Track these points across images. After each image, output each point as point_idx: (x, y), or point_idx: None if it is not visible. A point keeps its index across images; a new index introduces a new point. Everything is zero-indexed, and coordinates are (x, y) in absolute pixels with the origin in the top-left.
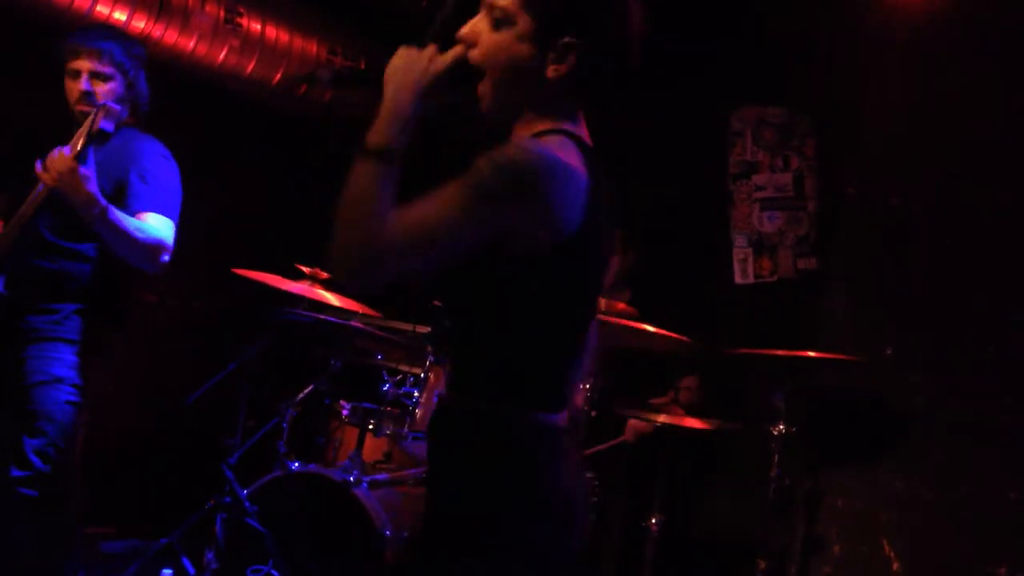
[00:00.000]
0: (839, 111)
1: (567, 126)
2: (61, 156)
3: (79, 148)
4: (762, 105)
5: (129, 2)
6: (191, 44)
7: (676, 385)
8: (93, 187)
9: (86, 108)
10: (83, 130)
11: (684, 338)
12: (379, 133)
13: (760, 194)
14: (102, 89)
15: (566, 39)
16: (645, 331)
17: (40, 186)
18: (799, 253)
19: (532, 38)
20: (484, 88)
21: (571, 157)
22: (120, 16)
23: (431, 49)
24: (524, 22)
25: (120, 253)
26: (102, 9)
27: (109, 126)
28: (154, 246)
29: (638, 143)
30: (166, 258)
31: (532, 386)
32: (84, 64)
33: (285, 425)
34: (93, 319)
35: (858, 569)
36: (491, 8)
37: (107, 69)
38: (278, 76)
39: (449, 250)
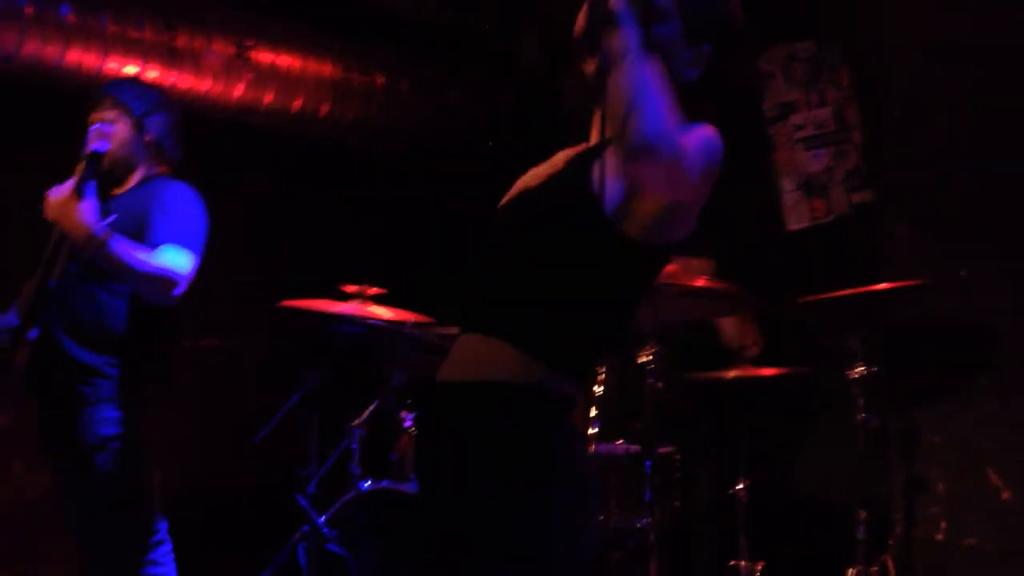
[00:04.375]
0: (870, 33)
1: None
2: (58, 191)
3: (76, 181)
4: (789, 42)
5: (139, 55)
6: (206, 85)
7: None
8: (89, 218)
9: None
10: (79, 163)
11: (738, 290)
12: None
13: (801, 133)
14: (109, 131)
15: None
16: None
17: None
18: (851, 188)
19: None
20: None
21: None
22: (132, 69)
23: None
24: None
25: (131, 286)
26: (112, 65)
27: (102, 146)
28: (163, 278)
29: None
30: (178, 291)
31: (586, 361)
32: (94, 116)
33: (355, 447)
34: (132, 371)
35: (967, 504)
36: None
37: (110, 114)
38: (297, 103)
39: None
